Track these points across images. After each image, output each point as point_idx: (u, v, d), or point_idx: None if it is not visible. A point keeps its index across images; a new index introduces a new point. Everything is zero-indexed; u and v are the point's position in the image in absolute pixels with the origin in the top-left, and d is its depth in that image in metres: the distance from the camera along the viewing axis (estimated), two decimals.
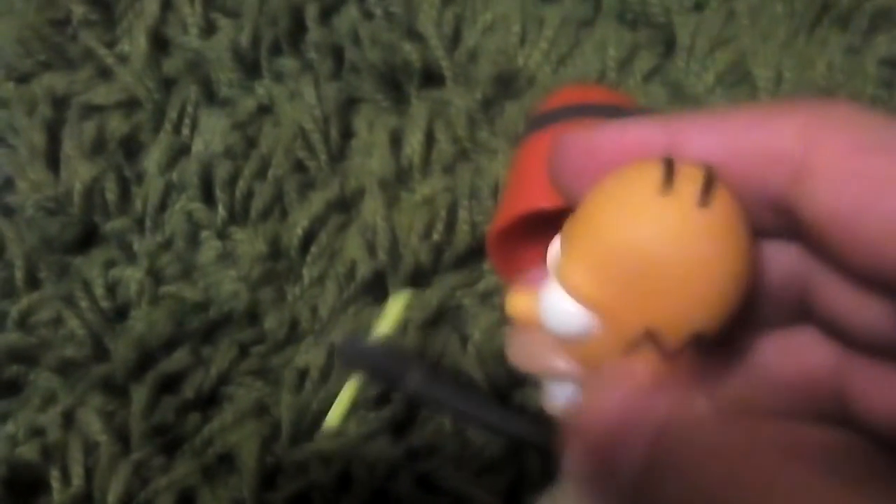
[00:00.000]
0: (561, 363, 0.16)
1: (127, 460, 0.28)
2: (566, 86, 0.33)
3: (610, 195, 0.15)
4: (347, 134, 0.34)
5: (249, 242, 0.31)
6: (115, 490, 0.28)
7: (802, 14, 0.34)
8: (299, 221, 0.32)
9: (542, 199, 0.28)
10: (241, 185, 0.32)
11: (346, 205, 0.32)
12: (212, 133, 0.33)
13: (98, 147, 0.33)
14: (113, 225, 0.32)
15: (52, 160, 0.33)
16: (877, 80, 0.33)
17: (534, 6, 0.35)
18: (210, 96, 0.34)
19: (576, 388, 0.16)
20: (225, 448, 0.29)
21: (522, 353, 0.17)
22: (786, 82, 0.33)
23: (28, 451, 0.28)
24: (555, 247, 0.16)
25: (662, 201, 0.14)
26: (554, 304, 0.16)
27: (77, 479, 0.28)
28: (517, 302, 0.17)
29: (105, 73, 0.34)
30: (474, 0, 0.35)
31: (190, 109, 0.33)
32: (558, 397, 0.17)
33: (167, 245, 0.32)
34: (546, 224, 0.29)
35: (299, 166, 0.33)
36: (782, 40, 0.33)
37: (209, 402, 0.30)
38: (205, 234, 0.32)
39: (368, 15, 0.35)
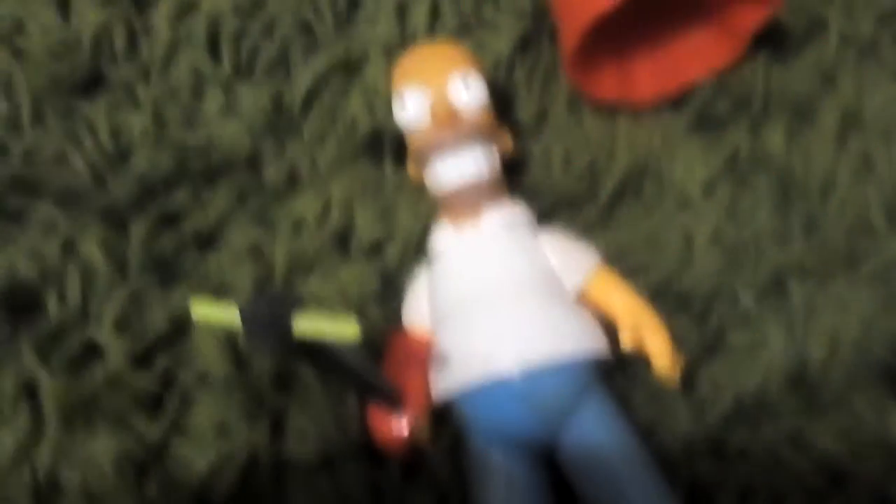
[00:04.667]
0: None
1: (124, 286, 0.29)
2: None
3: None
4: (355, 3, 0.34)
5: (252, 97, 0.32)
6: (110, 313, 0.28)
7: None
8: (303, 79, 0.32)
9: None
10: (248, 42, 0.33)
11: (349, 68, 0.33)
12: None
13: None
14: (120, 72, 0.33)
15: (62, 5, 0.33)
16: None
17: None
18: None
19: None
20: (219, 286, 0.30)
21: None
22: None
23: (27, 271, 0.29)
24: None
25: None
26: None
27: (73, 301, 0.29)
28: None
29: None
30: None
31: None
32: None
33: (172, 95, 0.32)
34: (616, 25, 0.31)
35: (306, 28, 0.33)
36: None
37: (207, 244, 0.31)
38: (209, 87, 0.33)
39: None
